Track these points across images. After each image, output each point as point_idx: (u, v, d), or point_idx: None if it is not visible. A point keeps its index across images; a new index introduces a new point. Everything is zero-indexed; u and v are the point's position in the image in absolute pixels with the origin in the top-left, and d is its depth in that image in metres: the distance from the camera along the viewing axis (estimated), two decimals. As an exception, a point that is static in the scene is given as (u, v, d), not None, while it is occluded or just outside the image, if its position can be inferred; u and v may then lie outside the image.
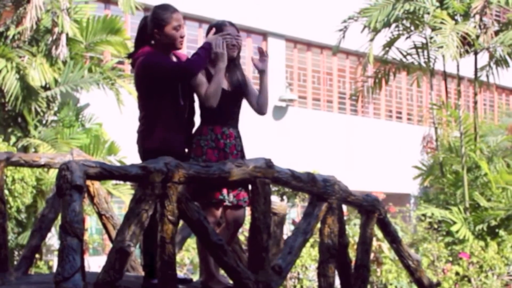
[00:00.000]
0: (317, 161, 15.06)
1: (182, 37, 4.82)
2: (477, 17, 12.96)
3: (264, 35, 16.13)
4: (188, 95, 4.95)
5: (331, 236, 5.24)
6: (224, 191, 4.84)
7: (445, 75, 14.67)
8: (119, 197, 10.48)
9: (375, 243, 10.45)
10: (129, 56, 5.00)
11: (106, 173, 4.13)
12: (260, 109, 5.17)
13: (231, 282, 4.82)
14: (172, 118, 4.81)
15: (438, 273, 11.77)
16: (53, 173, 9.45)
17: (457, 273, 11.85)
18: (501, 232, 12.81)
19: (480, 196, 13.18)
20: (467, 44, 13.30)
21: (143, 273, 5.75)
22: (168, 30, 4.75)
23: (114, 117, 11.58)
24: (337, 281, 5.45)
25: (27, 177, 9.13)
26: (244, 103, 5.19)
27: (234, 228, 5.02)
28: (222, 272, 4.97)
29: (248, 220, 5.06)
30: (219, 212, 4.91)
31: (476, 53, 14.02)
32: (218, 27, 4.96)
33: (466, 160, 13.43)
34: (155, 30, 4.77)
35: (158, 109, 4.79)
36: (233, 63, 5.03)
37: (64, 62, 10.48)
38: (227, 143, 4.93)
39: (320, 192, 5.17)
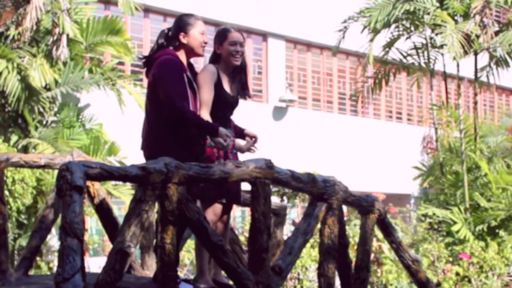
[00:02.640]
0: (317, 162, 15.06)
1: (205, 42, 4.94)
2: (477, 17, 12.95)
3: (264, 35, 16.14)
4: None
5: (331, 236, 5.24)
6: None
7: (445, 76, 14.68)
8: (119, 197, 10.48)
9: (375, 243, 10.46)
10: (149, 55, 4.96)
11: (106, 173, 4.13)
12: None
13: (231, 282, 4.83)
14: (180, 127, 4.80)
15: (438, 273, 11.77)
16: (52, 173, 9.45)
17: (457, 274, 11.86)
18: (501, 233, 12.82)
19: (480, 197, 13.18)
20: (472, 41, 13.27)
21: (143, 274, 5.75)
22: (195, 33, 4.88)
23: (114, 118, 11.58)
24: (337, 282, 5.46)
25: (27, 177, 9.12)
26: (243, 106, 5.23)
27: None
28: (222, 272, 4.98)
29: (248, 220, 5.08)
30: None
31: (476, 54, 14.01)
32: (222, 34, 5.04)
33: (466, 161, 13.43)
34: (182, 33, 4.87)
35: (164, 116, 4.78)
36: (239, 68, 5.10)
37: (65, 63, 10.48)
38: None
39: (320, 192, 5.17)
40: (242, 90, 5.14)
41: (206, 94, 4.89)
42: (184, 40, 4.88)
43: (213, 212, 4.90)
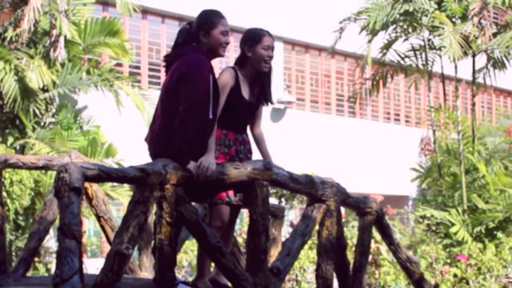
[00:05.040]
0: (315, 163, 15.06)
1: (226, 43, 4.69)
2: (475, 19, 12.95)
3: (262, 37, 16.14)
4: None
5: (329, 238, 5.24)
6: (230, 192, 4.81)
7: (443, 77, 14.69)
8: (117, 199, 10.47)
9: (373, 245, 10.45)
10: (172, 49, 4.73)
11: (104, 175, 4.13)
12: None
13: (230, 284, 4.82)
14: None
15: (436, 275, 11.77)
16: (51, 175, 9.44)
17: (455, 275, 11.86)
18: (499, 234, 12.82)
19: (478, 198, 13.19)
20: (470, 42, 13.27)
21: (141, 275, 5.75)
22: (215, 33, 4.63)
23: (112, 120, 11.58)
24: (335, 283, 5.45)
25: (25, 179, 9.11)
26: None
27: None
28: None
29: (246, 222, 5.07)
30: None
31: (474, 55, 14.02)
32: (257, 36, 4.86)
33: (464, 162, 13.44)
34: (202, 32, 4.64)
35: None
36: (262, 73, 4.93)
37: (62, 64, 10.47)
38: (241, 150, 4.92)
39: (318, 194, 5.17)
40: (263, 96, 4.98)
41: (221, 100, 4.70)
42: (204, 39, 4.64)
43: (219, 218, 4.81)
